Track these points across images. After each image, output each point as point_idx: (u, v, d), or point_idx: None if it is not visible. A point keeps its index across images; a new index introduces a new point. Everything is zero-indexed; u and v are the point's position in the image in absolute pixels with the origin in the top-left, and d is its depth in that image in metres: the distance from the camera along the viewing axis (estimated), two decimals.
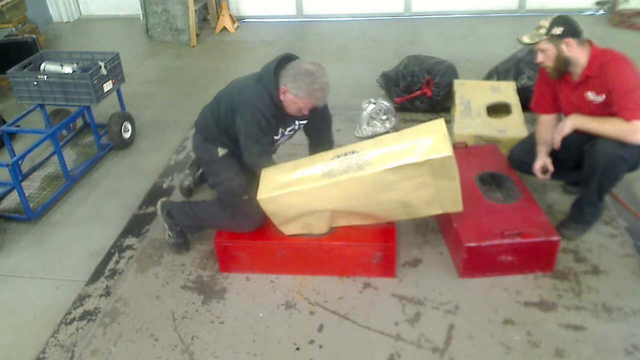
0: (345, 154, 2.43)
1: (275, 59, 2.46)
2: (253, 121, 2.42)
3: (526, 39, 2.53)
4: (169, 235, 2.78)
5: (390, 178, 2.29)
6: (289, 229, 2.54)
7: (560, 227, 2.68)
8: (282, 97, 2.41)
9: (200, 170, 3.22)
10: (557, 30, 2.44)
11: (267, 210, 2.46)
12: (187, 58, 5.54)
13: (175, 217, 2.74)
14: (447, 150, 2.20)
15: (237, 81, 2.65)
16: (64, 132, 3.89)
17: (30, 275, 2.81)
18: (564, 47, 2.45)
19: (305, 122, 2.69)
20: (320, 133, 2.82)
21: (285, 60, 2.47)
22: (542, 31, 2.47)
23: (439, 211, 2.46)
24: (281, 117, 2.51)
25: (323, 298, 2.50)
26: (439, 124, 2.36)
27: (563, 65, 2.51)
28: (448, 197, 2.38)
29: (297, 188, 2.38)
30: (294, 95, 2.38)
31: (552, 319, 2.31)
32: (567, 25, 2.45)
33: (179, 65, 5.36)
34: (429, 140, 2.28)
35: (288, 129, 2.65)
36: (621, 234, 2.72)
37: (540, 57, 2.55)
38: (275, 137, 2.60)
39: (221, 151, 2.65)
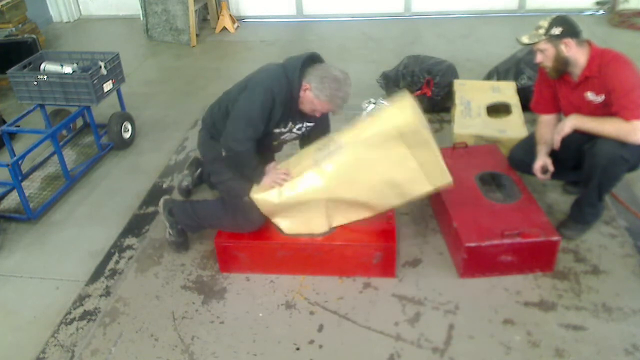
0: (325, 145, 2.52)
1: (304, 54, 2.47)
2: (259, 101, 2.38)
3: (525, 39, 2.53)
4: (170, 234, 2.78)
5: (365, 154, 2.36)
6: (288, 228, 2.54)
7: (560, 227, 2.69)
8: (302, 92, 2.42)
9: (199, 171, 3.22)
10: (556, 31, 2.44)
11: (262, 209, 2.50)
12: (187, 58, 5.54)
13: (177, 216, 2.74)
14: (409, 114, 2.27)
15: (250, 74, 2.60)
16: (64, 132, 3.89)
17: (30, 275, 2.81)
18: (562, 47, 2.45)
19: (312, 124, 2.67)
20: (317, 136, 2.78)
21: (311, 59, 2.47)
22: (541, 31, 2.48)
23: (429, 187, 2.43)
24: (294, 109, 2.49)
25: (323, 298, 2.50)
26: (403, 96, 2.46)
27: (562, 66, 2.51)
28: (431, 168, 2.37)
29: (285, 184, 2.46)
30: (314, 96, 2.39)
31: (552, 319, 2.31)
32: (566, 26, 2.46)
33: (179, 65, 5.36)
34: (392, 110, 2.39)
35: (297, 127, 2.63)
36: (621, 234, 2.72)
37: (539, 57, 2.55)
38: (283, 130, 2.59)
39: None
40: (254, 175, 2.53)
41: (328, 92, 2.37)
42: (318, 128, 2.74)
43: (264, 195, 2.48)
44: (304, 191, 2.45)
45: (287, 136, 2.67)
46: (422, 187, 2.44)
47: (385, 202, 2.51)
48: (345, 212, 2.54)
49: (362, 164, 2.38)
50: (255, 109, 2.39)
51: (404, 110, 2.32)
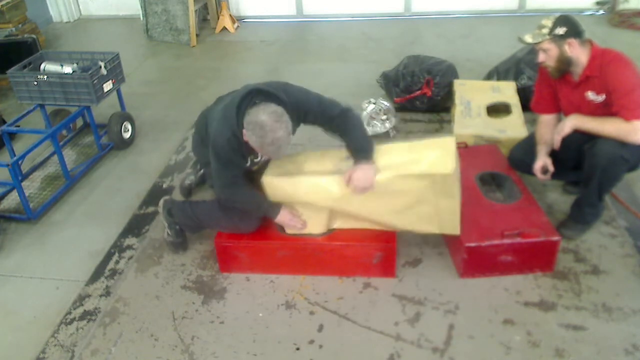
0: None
1: (239, 95, 2.31)
2: (216, 157, 2.38)
3: (529, 39, 2.52)
4: (168, 234, 2.78)
5: (392, 186, 2.33)
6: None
7: (560, 227, 2.68)
8: (245, 138, 2.30)
9: (202, 170, 3.22)
10: (560, 31, 2.44)
11: (268, 193, 2.49)
12: (187, 58, 5.54)
13: (176, 216, 2.74)
14: (450, 168, 2.23)
15: (220, 101, 2.55)
16: (64, 132, 3.89)
17: (30, 275, 2.81)
18: (566, 47, 2.45)
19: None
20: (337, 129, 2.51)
21: (255, 95, 2.30)
22: (545, 31, 2.47)
23: (435, 230, 2.47)
24: (249, 148, 2.37)
25: (323, 298, 2.50)
26: (449, 141, 2.40)
27: (565, 65, 2.51)
28: (447, 218, 2.40)
29: (302, 178, 2.43)
30: (250, 142, 2.28)
31: (552, 319, 2.31)
32: (570, 26, 2.45)
33: (179, 65, 5.36)
34: (435, 154, 2.33)
35: None
36: (621, 234, 2.72)
37: (541, 57, 2.54)
38: (255, 160, 2.55)
39: None
40: (267, 211, 2.49)
41: (255, 140, 2.23)
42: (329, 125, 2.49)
43: (278, 180, 2.46)
44: (315, 194, 2.42)
45: (260, 160, 2.64)
46: (430, 228, 2.46)
47: (390, 224, 2.50)
48: (347, 219, 2.54)
49: (383, 191, 2.35)
50: (217, 162, 2.38)
51: (446, 160, 2.28)
